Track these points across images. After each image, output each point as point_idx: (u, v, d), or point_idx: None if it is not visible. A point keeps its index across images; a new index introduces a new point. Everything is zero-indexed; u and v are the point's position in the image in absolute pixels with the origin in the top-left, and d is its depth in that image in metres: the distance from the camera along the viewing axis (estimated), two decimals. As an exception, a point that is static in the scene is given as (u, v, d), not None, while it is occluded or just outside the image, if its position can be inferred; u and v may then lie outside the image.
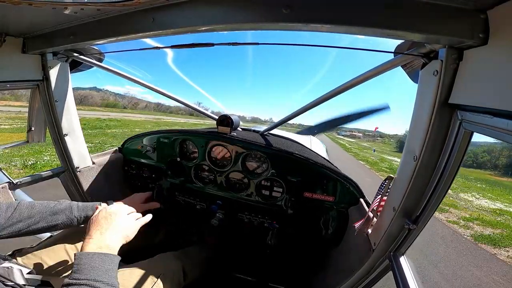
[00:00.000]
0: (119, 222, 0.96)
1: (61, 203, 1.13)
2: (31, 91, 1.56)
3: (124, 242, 0.93)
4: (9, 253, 1.08)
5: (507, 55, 0.58)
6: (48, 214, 1.07)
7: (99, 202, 1.21)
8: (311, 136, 4.76)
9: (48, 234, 1.29)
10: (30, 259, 1.06)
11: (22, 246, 1.14)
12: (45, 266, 1.05)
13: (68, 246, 1.16)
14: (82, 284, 0.68)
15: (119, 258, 0.84)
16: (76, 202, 1.15)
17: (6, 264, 0.90)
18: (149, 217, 1.12)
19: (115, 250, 0.86)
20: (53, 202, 1.12)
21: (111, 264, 0.78)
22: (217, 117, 1.80)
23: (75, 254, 0.77)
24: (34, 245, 1.16)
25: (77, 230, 1.22)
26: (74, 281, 0.68)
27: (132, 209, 1.12)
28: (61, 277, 1.05)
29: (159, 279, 1.23)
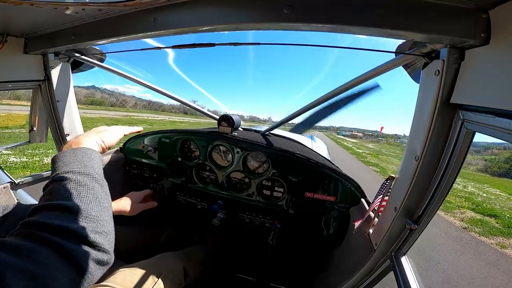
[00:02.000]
0: (98, 128, 0.88)
1: None
2: (32, 91, 1.57)
3: (98, 145, 0.82)
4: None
5: (509, 54, 0.58)
6: None
7: None
8: (312, 136, 4.75)
9: None
10: None
11: None
12: None
13: None
14: (52, 182, 0.61)
15: (97, 153, 0.75)
16: None
17: None
18: (135, 128, 1.02)
19: (87, 145, 0.76)
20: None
21: (84, 156, 0.69)
22: (217, 117, 1.80)
23: (51, 159, 0.71)
24: None
25: None
26: (47, 181, 0.62)
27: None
28: None
29: (160, 279, 1.23)
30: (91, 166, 0.67)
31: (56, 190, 0.57)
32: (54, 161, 0.67)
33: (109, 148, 0.87)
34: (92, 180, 0.63)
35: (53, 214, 0.51)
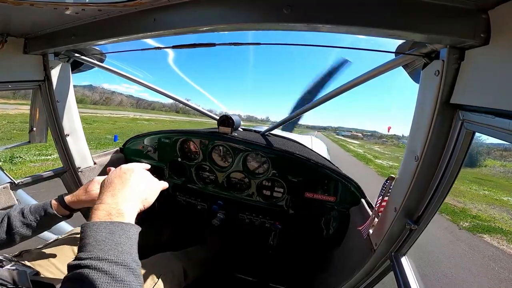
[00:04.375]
0: (136, 181, 0.75)
1: (15, 209, 1.03)
2: (32, 92, 1.57)
3: (141, 207, 0.74)
4: (16, 253, 1.08)
5: (509, 54, 0.58)
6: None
7: (50, 199, 1.06)
8: (312, 136, 4.76)
9: (54, 236, 1.28)
10: (37, 260, 1.05)
11: (29, 247, 1.13)
12: (52, 268, 1.05)
13: (75, 247, 1.15)
14: (83, 267, 0.53)
15: (137, 228, 0.66)
16: (28, 205, 1.03)
17: (11, 266, 0.89)
18: (166, 184, 0.91)
19: (129, 217, 0.67)
20: (6, 210, 1.03)
21: (122, 236, 0.60)
22: (217, 117, 1.80)
23: (81, 225, 0.61)
24: (41, 246, 1.16)
25: None
26: (76, 262, 0.55)
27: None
28: None
29: (159, 279, 1.23)
30: (128, 251, 0.59)
31: (88, 283, 0.52)
32: (85, 232, 0.59)
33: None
34: (128, 272, 0.57)
35: None
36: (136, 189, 0.74)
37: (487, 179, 18.11)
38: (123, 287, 0.54)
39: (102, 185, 0.73)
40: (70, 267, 0.55)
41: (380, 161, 22.93)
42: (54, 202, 1.03)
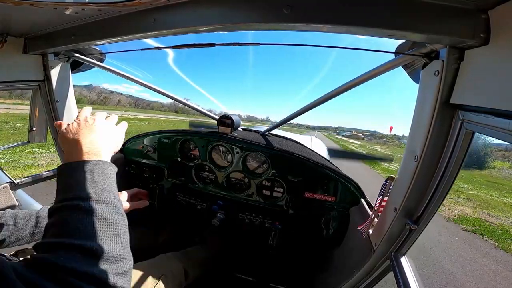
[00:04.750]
0: (102, 125, 0.69)
1: (43, 209, 1.06)
2: (32, 91, 1.57)
3: (112, 153, 0.69)
4: (12, 253, 1.08)
5: (508, 55, 0.58)
6: None
7: (42, 208, 1.06)
8: (312, 136, 4.76)
9: None
10: None
11: (26, 247, 1.14)
12: None
13: None
14: (65, 208, 0.50)
15: (114, 167, 0.62)
16: (20, 211, 1.04)
17: None
18: (125, 124, 0.82)
19: (106, 156, 0.63)
20: (34, 210, 1.05)
21: (101, 174, 0.57)
22: (217, 117, 1.80)
23: (58, 167, 0.59)
24: None
25: None
26: (57, 205, 0.52)
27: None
28: None
29: (160, 280, 1.23)
30: (109, 189, 0.57)
31: (72, 222, 0.49)
32: (64, 172, 0.56)
33: None
34: (112, 210, 0.54)
35: (74, 257, 0.47)
36: (104, 133, 0.68)
37: (500, 183, 17.28)
38: (107, 226, 0.51)
39: (64, 133, 0.65)
40: (52, 212, 0.53)
41: (386, 163, 20.62)
42: None
